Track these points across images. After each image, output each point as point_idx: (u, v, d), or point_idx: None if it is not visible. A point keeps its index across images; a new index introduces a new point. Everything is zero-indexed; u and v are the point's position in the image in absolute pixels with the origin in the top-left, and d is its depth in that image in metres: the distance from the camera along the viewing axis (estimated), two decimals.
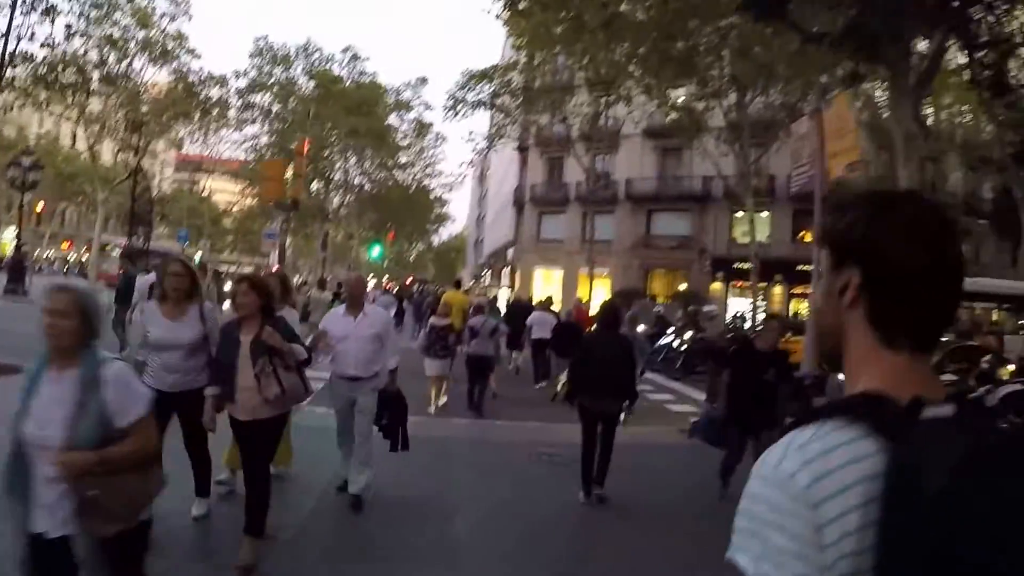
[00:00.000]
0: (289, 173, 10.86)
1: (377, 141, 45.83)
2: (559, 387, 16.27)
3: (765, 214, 44.33)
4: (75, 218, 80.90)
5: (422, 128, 51.59)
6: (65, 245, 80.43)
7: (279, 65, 45.07)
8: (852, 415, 1.27)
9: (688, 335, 25.45)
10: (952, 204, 41.89)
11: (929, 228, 1.38)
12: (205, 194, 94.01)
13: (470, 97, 35.96)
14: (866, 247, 1.38)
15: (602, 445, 9.16)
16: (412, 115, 50.52)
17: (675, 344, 25.36)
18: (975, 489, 1.08)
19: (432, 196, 64.79)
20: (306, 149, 12.13)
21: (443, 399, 15.44)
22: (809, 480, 1.21)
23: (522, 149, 58.11)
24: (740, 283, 45.90)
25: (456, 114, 36.65)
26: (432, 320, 15.85)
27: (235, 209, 71.39)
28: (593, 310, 33.84)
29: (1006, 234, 41.15)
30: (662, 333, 27.04)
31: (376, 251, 43.37)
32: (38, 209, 41.82)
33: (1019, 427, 1.69)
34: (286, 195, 11.53)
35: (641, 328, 27.86)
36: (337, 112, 44.68)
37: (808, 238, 44.26)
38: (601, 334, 9.79)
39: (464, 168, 52.57)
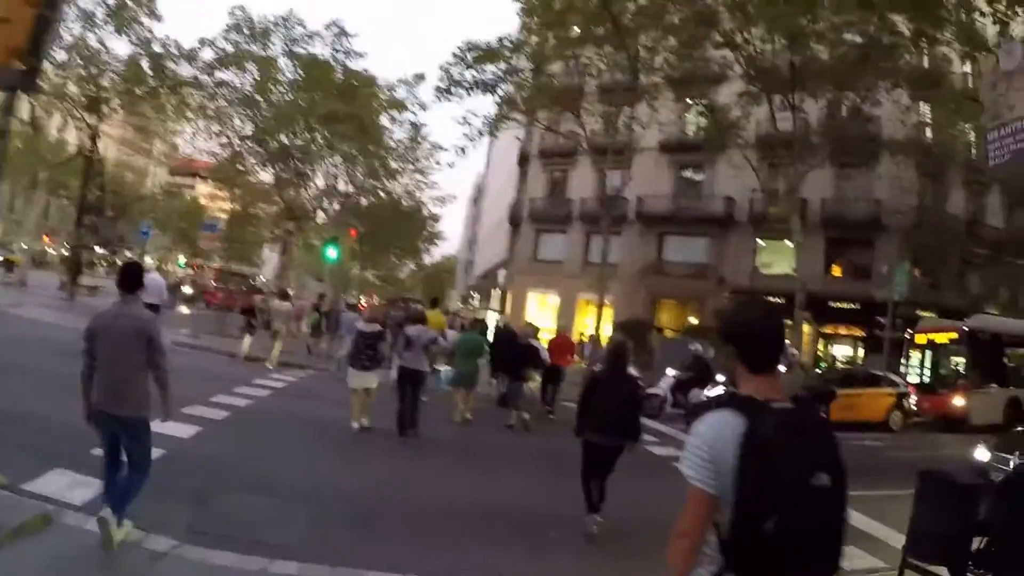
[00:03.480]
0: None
1: (359, 132, 39.69)
2: (514, 418, 16.64)
3: (790, 243, 39.11)
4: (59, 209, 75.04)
5: (416, 132, 45.15)
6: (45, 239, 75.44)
7: (257, 42, 38.55)
8: (735, 406, 2.77)
9: None
10: (996, 240, 38.60)
11: (755, 317, 3.09)
12: (188, 197, 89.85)
13: (468, 75, 29.87)
14: (734, 334, 3.05)
15: (600, 477, 9.12)
16: (406, 116, 43.78)
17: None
18: (775, 438, 2.62)
19: (424, 212, 58.84)
20: None
21: (366, 420, 13.62)
22: (710, 435, 2.73)
23: (523, 161, 52.53)
24: None
25: (451, 96, 30.47)
26: (359, 325, 14.27)
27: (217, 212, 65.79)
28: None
29: None
30: (703, 379, 21.18)
31: (332, 252, 35.60)
32: None
33: (814, 410, 3.18)
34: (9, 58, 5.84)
35: (671, 373, 22.33)
36: (316, 98, 38.42)
37: (838, 272, 38.99)
38: (609, 373, 9.49)
39: (456, 154, 43.31)
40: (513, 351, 18.24)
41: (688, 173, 45.66)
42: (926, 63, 26.33)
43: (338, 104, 37.09)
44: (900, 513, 10.86)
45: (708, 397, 19.49)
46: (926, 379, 27.65)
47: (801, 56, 25.11)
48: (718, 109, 29.72)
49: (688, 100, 32.85)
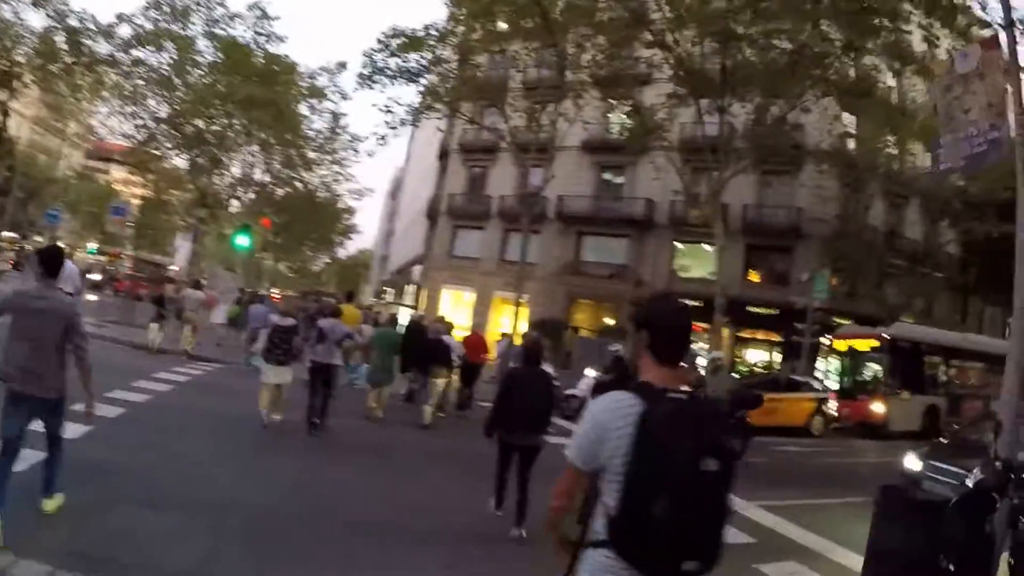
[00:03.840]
0: None
1: (277, 120, 38.63)
2: (427, 416, 16.17)
3: (708, 247, 39.01)
4: None
5: (336, 122, 43.82)
6: None
7: (177, 21, 36.74)
8: (635, 390, 2.90)
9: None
10: (913, 252, 39.31)
11: (672, 309, 3.21)
12: (102, 181, 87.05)
13: (392, 63, 28.72)
14: (648, 321, 3.15)
15: (519, 478, 8.90)
16: (326, 105, 42.27)
17: None
18: (669, 424, 2.77)
19: (340, 205, 57.51)
20: None
21: (278, 416, 13.20)
22: (604, 416, 2.90)
23: (443, 156, 51.69)
24: None
25: (373, 83, 29.34)
26: (274, 318, 13.96)
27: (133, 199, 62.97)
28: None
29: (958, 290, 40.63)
30: (624, 381, 20.34)
31: (243, 240, 33.04)
32: None
33: (707, 401, 3.66)
34: None
35: (591, 374, 21.48)
36: (235, 82, 36.76)
37: (755, 277, 38.99)
38: (524, 370, 9.48)
39: (376, 143, 40.05)
40: (422, 347, 17.58)
41: (609, 174, 45.23)
42: (855, 74, 26.37)
43: (257, 89, 35.77)
44: (835, 523, 11.02)
45: None
46: (838, 384, 27.96)
47: (732, 60, 24.95)
48: (644, 110, 29.12)
49: (614, 100, 32.31)
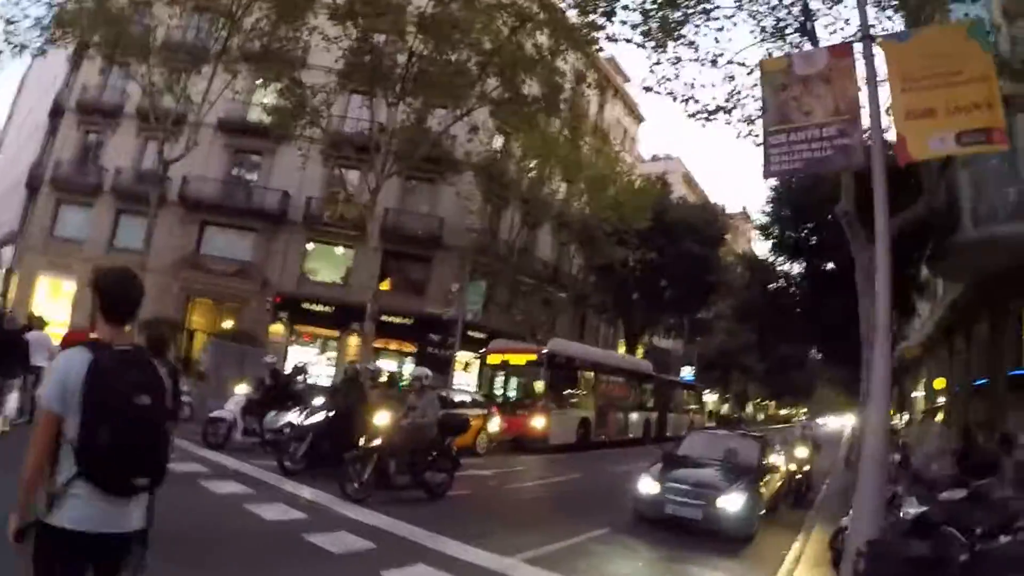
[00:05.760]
0: None
1: None
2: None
3: (342, 250, 37.99)
4: None
5: None
6: None
7: None
8: (86, 345, 3.41)
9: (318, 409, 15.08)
10: (542, 272, 41.40)
11: (121, 281, 3.68)
12: None
13: None
14: (102, 289, 3.61)
15: None
16: None
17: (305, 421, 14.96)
18: (110, 369, 3.36)
19: None
20: None
21: None
22: (65, 367, 3.37)
23: (56, 114, 42.91)
24: (307, 328, 37.36)
25: None
26: None
27: None
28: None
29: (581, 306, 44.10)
30: (283, 399, 16.82)
31: None
32: None
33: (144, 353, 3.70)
34: None
35: (242, 390, 17.76)
36: None
37: (386, 286, 36.80)
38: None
39: None
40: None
41: (245, 162, 40.47)
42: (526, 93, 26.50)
43: None
44: (620, 570, 10.02)
45: (298, 424, 15.13)
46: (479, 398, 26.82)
47: (413, 57, 24.43)
48: (302, 90, 26.37)
49: (266, 78, 28.61)
